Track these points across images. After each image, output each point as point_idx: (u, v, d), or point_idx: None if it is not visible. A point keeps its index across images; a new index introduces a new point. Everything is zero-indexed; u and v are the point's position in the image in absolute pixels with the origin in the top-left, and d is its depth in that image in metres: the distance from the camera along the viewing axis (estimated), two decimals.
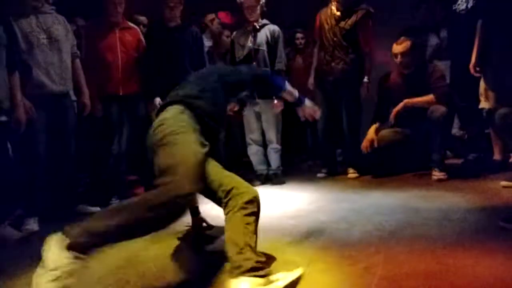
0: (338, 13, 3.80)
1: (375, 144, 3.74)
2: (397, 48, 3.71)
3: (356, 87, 3.88)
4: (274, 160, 4.03)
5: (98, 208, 3.33)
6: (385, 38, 4.05)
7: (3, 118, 2.75)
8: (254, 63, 3.77)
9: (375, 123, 3.89)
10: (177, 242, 2.46)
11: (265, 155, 4.11)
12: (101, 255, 2.28)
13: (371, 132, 3.82)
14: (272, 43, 3.84)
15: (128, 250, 2.34)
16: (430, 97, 3.61)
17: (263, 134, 4.06)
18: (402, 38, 3.72)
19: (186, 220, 2.82)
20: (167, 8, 3.57)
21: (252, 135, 4.03)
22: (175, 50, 3.59)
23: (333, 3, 3.83)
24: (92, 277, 2.01)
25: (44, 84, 2.99)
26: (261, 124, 4.01)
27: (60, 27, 3.11)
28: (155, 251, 2.32)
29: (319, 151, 4.29)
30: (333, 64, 3.83)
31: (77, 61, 3.29)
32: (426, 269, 1.81)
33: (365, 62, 3.88)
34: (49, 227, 2.93)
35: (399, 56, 3.70)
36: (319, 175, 4.06)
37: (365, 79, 3.86)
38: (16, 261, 2.31)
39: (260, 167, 4.06)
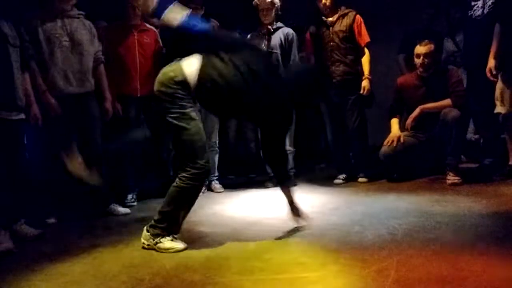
0: (331, 19, 3.85)
1: (401, 140, 3.72)
2: (421, 49, 3.69)
3: (359, 89, 3.86)
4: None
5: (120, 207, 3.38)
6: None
7: (22, 116, 2.82)
8: None
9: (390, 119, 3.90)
10: (190, 241, 2.48)
11: None
12: (116, 253, 2.34)
13: (395, 128, 3.80)
14: (285, 46, 3.85)
15: (141, 249, 2.37)
16: (447, 101, 3.59)
17: None
18: (427, 40, 3.71)
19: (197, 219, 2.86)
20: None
21: None
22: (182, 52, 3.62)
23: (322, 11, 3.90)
24: (106, 275, 2.04)
25: (60, 87, 3.04)
26: None
27: (85, 32, 3.17)
28: None
29: (332, 158, 4.26)
30: (333, 67, 3.85)
31: (101, 66, 3.31)
32: (439, 273, 1.80)
33: (363, 57, 3.86)
34: (68, 224, 3.02)
35: (421, 57, 3.68)
36: (336, 181, 3.99)
37: (366, 74, 3.83)
38: (34, 257, 2.36)
39: None
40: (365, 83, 3.80)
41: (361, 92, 3.79)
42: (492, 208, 2.76)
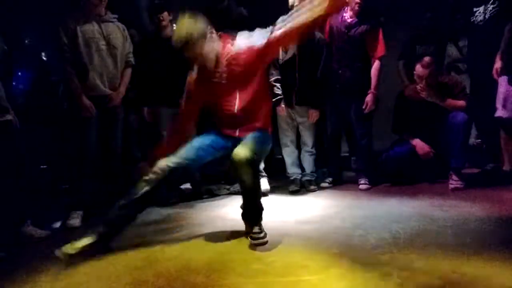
0: (350, 20, 3.77)
1: (431, 154, 3.72)
2: (423, 71, 3.65)
3: (364, 96, 3.83)
4: (308, 163, 3.98)
5: None
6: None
7: (8, 117, 2.83)
8: (297, 68, 3.74)
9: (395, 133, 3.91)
10: (193, 243, 2.49)
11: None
12: (119, 254, 2.36)
13: (419, 141, 3.76)
14: (317, 50, 3.79)
15: (146, 251, 2.39)
16: (461, 102, 3.59)
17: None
18: (428, 59, 3.66)
19: (201, 222, 2.87)
20: (161, 25, 3.69)
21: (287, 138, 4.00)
22: (167, 59, 3.62)
23: (348, 10, 3.80)
24: (110, 276, 2.05)
25: (97, 87, 3.19)
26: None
27: (119, 35, 3.31)
28: (173, 252, 2.35)
29: (325, 159, 4.22)
30: (340, 71, 3.78)
31: (129, 70, 3.42)
32: (442, 277, 1.81)
33: (373, 68, 3.78)
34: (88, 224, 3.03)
35: (423, 81, 3.66)
36: (322, 184, 3.98)
37: (372, 88, 3.76)
38: (40, 258, 2.38)
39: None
40: (368, 98, 3.74)
41: (364, 107, 3.75)
42: (494, 213, 2.77)
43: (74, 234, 2.89)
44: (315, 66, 3.80)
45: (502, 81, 3.53)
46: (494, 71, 3.54)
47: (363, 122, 3.85)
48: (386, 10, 4.22)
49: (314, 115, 3.82)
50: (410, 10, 4.83)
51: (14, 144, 2.84)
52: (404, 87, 4.08)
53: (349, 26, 3.78)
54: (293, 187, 3.86)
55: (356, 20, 3.77)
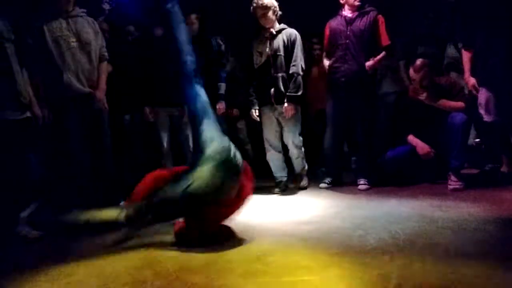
0: (350, 15, 3.79)
1: (432, 154, 3.72)
2: (415, 75, 3.66)
3: (370, 94, 3.83)
4: (296, 163, 3.98)
5: None
6: None
7: (27, 114, 2.83)
8: (272, 69, 3.77)
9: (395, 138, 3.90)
10: (193, 243, 2.49)
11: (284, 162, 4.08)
12: (119, 254, 2.35)
13: (420, 141, 3.75)
14: (289, 47, 3.79)
15: (146, 251, 2.39)
16: (458, 103, 3.60)
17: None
18: (420, 62, 3.66)
19: None
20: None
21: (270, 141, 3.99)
22: (159, 58, 3.64)
23: (345, 8, 3.84)
24: (109, 276, 2.05)
25: (74, 86, 3.08)
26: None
27: (90, 30, 3.19)
28: (172, 252, 2.35)
29: (325, 160, 4.19)
30: (346, 65, 3.78)
31: (104, 64, 3.32)
32: (441, 278, 1.81)
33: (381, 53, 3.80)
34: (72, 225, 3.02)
35: (417, 84, 3.67)
36: (321, 184, 3.97)
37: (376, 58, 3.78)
38: (38, 258, 2.38)
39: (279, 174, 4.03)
40: (372, 61, 3.76)
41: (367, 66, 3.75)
42: (493, 213, 2.77)
43: (73, 233, 2.91)
44: (289, 64, 3.79)
45: (482, 91, 3.58)
46: (471, 88, 3.61)
47: (365, 122, 3.85)
48: (388, 10, 4.24)
49: (288, 109, 3.74)
50: (411, 10, 4.83)
51: (27, 143, 2.84)
52: (404, 87, 4.08)
53: (350, 21, 3.79)
54: (275, 190, 3.91)
55: (357, 13, 3.80)
